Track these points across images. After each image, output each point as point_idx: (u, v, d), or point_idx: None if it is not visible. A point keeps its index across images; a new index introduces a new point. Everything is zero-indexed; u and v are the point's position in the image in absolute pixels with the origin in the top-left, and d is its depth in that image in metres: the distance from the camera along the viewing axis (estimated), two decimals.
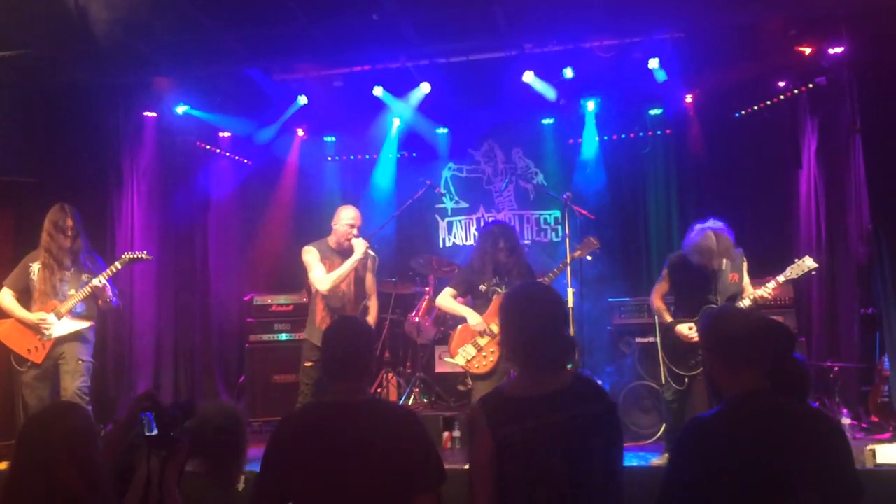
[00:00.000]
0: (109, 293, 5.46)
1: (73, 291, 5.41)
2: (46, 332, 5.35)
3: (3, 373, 5.73)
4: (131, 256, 5.61)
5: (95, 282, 5.37)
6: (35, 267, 5.46)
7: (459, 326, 5.57)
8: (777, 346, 2.56)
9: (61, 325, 5.39)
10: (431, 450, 2.61)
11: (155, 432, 2.46)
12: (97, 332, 5.95)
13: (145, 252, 5.77)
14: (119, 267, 5.52)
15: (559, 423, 2.32)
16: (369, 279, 5.79)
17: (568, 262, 5.68)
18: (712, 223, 5.18)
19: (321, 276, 5.55)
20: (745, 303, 5.19)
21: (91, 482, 2.23)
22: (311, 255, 5.64)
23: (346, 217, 5.67)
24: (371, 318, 5.73)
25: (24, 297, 5.46)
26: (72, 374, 5.38)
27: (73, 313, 5.44)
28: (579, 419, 2.34)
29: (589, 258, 5.90)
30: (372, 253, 5.81)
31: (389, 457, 2.50)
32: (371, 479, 2.48)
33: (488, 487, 2.32)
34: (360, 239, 5.57)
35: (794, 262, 5.16)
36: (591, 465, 2.32)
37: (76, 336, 5.43)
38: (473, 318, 5.41)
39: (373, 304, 5.83)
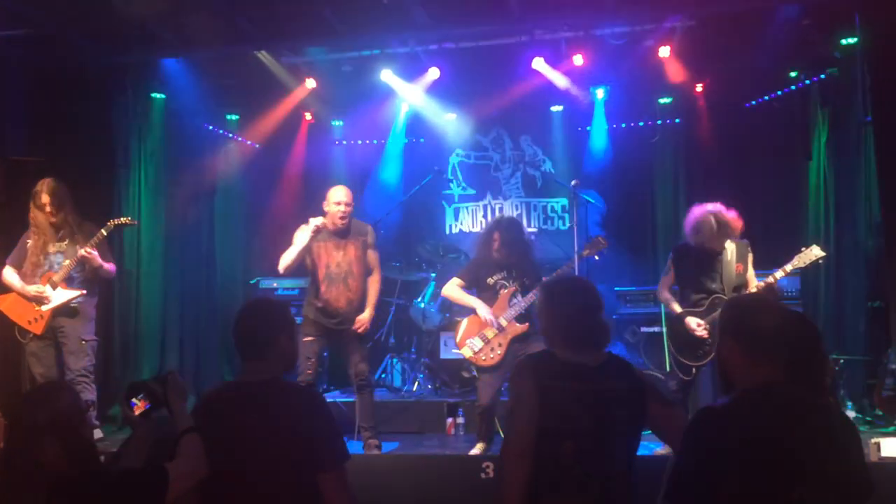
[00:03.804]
0: (99, 261, 5.46)
1: (67, 262, 5.44)
2: (45, 303, 5.39)
3: (9, 350, 5.75)
4: (116, 222, 5.59)
5: (81, 251, 5.37)
6: (30, 242, 5.52)
7: (466, 318, 5.54)
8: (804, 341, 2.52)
9: (57, 295, 5.42)
10: (333, 429, 2.65)
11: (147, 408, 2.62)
12: (103, 311, 5.96)
13: (129, 217, 5.82)
14: (105, 234, 5.50)
15: (594, 390, 2.64)
16: (370, 255, 5.72)
17: (576, 261, 5.67)
18: (712, 206, 5.15)
19: (283, 255, 5.51)
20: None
21: (76, 461, 2.29)
22: (298, 232, 5.49)
23: (332, 196, 5.55)
24: (372, 293, 5.66)
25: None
26: (76, 355, 5.42)
27: (69, 283, 5.46)
28: (610, 392, 2.66)
29: (597, 258, 5.88)
30: (370, 229, 5.76)
31: (288, 436, 2.53)
32: (270, 457, 2.51)
33: (531, 424, 2.60)
34: (319, 217, 5.48)
35: (800, 251, 5.10)
36: (615, 432, 2.63)
37: (75, 311, 5.46)
38: (483, 310, 5.38)
39: (373, 280, 5.70)
